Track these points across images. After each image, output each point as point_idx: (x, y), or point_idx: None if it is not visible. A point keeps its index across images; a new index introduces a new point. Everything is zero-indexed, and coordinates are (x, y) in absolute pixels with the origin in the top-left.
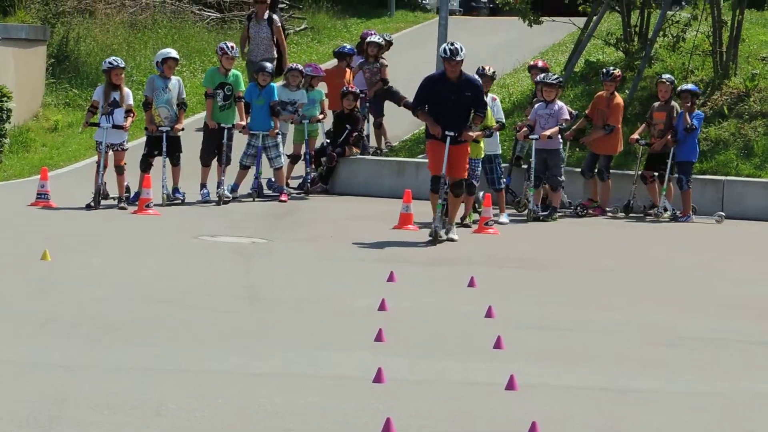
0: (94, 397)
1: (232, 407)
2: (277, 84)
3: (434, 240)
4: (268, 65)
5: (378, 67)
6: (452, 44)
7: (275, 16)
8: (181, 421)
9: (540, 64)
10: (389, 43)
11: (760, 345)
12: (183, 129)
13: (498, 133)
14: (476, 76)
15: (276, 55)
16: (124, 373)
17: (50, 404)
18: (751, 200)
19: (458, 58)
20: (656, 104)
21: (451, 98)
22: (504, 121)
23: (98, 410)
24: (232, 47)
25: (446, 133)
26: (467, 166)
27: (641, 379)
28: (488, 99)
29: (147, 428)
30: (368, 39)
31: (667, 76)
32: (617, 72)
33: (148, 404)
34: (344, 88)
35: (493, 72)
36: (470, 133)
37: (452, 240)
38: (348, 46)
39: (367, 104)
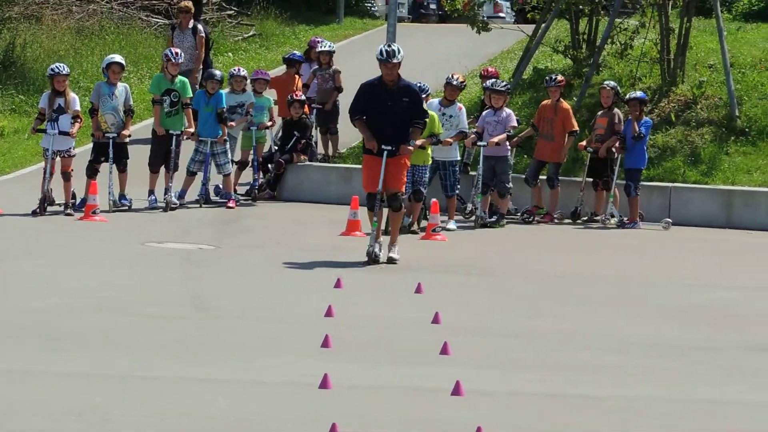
0: (40, 404)
1: (178, 413)
2: (224, 91)
3: (371, 260)
4: (218, 73)
5: (330, 74)
6: (389, 45)
7: (200, 26)
8: (127, 427)
9: (491, 70)
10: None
11: (707, 351)
12: (130, 135)
13: (457, 143)
14: (415, 83)
15: (201, 67)
16: (70, 379)
17: None
18: (698, 207)
19: (395, 60)
20: (600, 112)
21: (387, 105)
22: (467, 130)
23: (44, 416)
24: (177, 54)
25: (383, 147)
26: (404, 179)
27: (588, 385)
28: (455, 108)
29: None
30: (320, 48)
31: (609, 82)
32: (560, 78)
33: (94, 410)
34: (290, 96)
35: (460, 81)
36: (409, 147)
37: (393, 261)
38: (298, 53)
39: (315, 110)
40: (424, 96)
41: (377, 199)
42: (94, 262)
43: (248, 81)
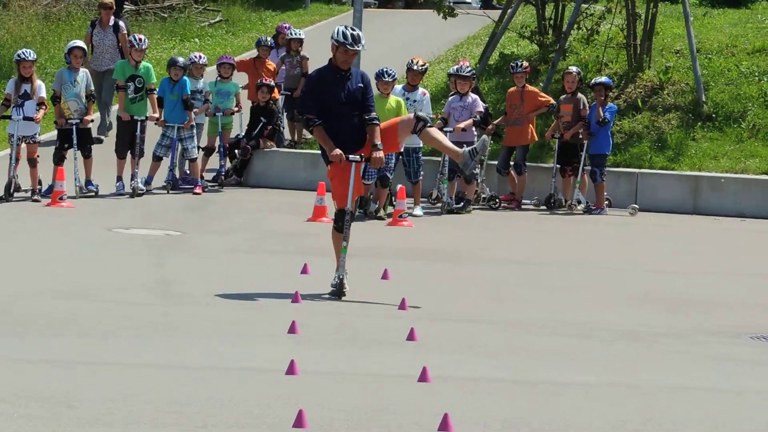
0: (4, 390)
1: (144, 400)
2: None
3: (339, 293)
4: (180, 59)
5: (299, 60)
6: (352, 28)
7: (121, 23)
8: (92, 413)
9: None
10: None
11: (671, 337)
12: (93, 121)
13: None
14: (382, 69)
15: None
16: (35, 365)
17: None
18: (665, 192)
19: (358, 47)
20: (563, 97)
21: (342, 95)
22: (432, 115)
23: (8, 402)
24: (141, 40)
25: (350, 159)
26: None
27: (553, 371)
28: (418, 93)
29: (58, 420)
30: (290, 35)
31: (573, 67)
32: (526, 64)
33: (59, 397)
34: (259, 81)
35: (422, 66)
36: (381, 155)
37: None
38: (270, 40)
39: (283, 96)
40: (391, 80)
41: (347, 217)
42: (61, 248)
43: (206, 68)
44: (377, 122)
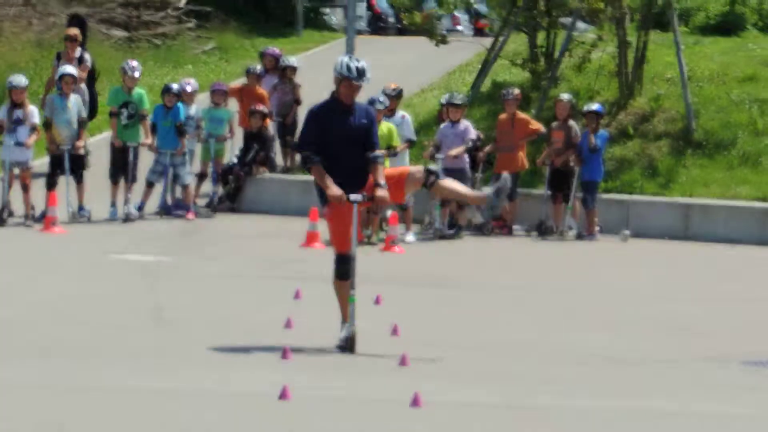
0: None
1: (137, 425)
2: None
3: (350, 347)
4: (174, 86)
5: (291, 88)
6: (357, 60)
7: (86, 55)
8: None
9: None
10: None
11: (661, 363)
12: (84, 146)
13: (408, 151)
14: (372, 98)
15: (87, 98)
16: (26, 390)
17: None
18: (656, 219)
19: (364, 81)
20: (554, 124)
21: (345, 130)
22: (414, 138)
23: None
24: (133, 66)
25: (351, 199)
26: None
27: (545, 396)
28: (398, 117)
29: None
30: (286, 63)
31: (565, 95)
32: (517, 92)
33: (51, 422)
34: (252, 107)
35: (396, 90)
36: (384, 194)
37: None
38: (260, 68)
39: (274, 123)
40: (383, 108)
41: (351, 263)
42: (53, 274)
43: (196, 94)
44: (381, 161)
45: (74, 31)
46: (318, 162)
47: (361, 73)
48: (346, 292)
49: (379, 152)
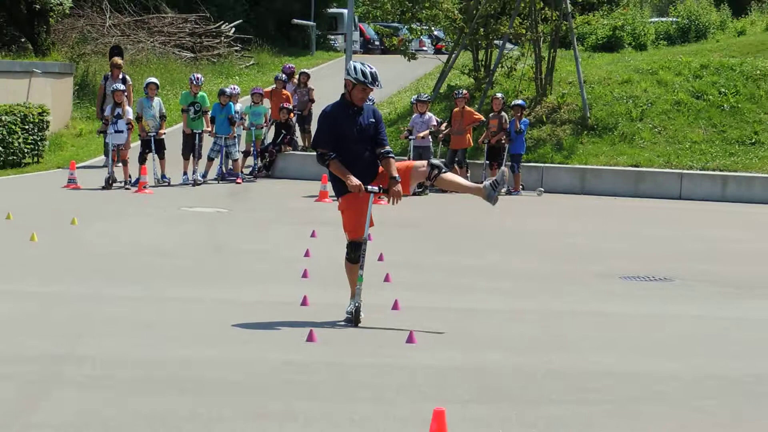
0: (112, 318)
1: (201, 323)
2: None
3: (355, 320)
4: (226, 90)
5: (307, 91)
6: (370, 66)
7: (127, 77)
8: (166, 330)
9: (425, 97)
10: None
11: (559, 277)
12: (165, 134)
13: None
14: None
15: (129, 108)
16: (129, 301)
17: (76, 327)
18: (561, 180)
19: (377, 86)
20: (491, 114)
21: (356, 129)
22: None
23: (118, 328)
24: (198, 78)
25: (368, 189)
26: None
27: (490, 302)
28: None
29: (167, 341)
30: (300, 71)
31: (498, 94)
32: (465, 92)
33: (148, 321)
34: (281, 105)
35: (428, 96)
36: (399, 188)
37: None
38: (284, 76)
39: (296, 116)
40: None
41: (362, 248)
42: (144, 222)
43: (239, 96)
44: (392, 155)
45: (119, 60)
46: (335, 157)
47: (375, 77)
48: (356, 273)
49: (388, 147)
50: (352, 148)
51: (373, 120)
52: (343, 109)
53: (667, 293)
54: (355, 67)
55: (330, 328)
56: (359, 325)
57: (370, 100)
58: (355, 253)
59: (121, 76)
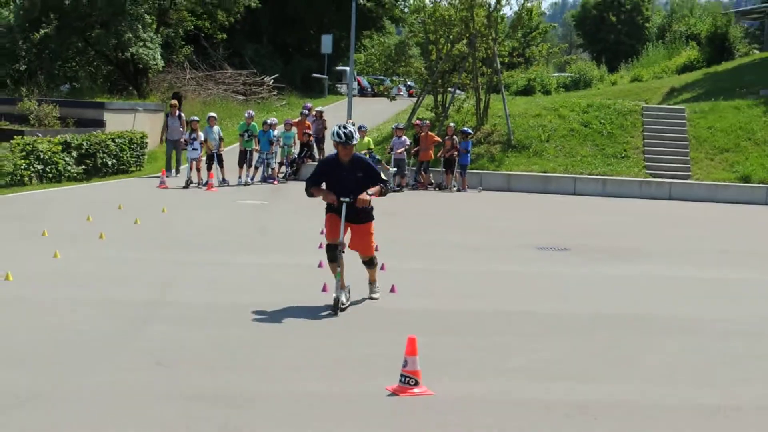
0: (193, 279)
1: (251, 279)
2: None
3: (335, 310)
4: (268, 121)
5: (323, 122)
6: (344, 127)
7: (182, 114)
8: (228, 285)
9: (401, 126)
10: (312, 110)
11: (489, 249)
12: (223, 150)
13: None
14: (364, 156)
15: (185, 136)
16: (199, 264)
17: (165, 281)
18: (494, 182)
19: (353, 142)
20: (446, 137)
21: (341, 181)
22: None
23: (195, 289)
24: (250, 114)
25: (341, 199)
26: (373, 245)
27: (454, 264)
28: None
29: (226, 292)
30: (316, 108)
31: (451, 123)
32: (428, 122)
33: (211, 278)
34: (304, 131)
35: (403, 125)
36: (366, 197)
37: (373, 298)
38: (306, 111)
39: (314, 139)
40: (363, 130)
41: (338, 249)
42: (211, 211)
43: (276, 125)
44: (384, 186)
45: (174, 101)
46: (315, 185)
47: (348, 137)
48: (334, 269)
49: (384, 178)
50: (340, 185)
51: (361, 174)
52: (334, 163)
53: (566, 258)
54: (335, 132)
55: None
56: (338, 313)
57: (361, 130)
58: (331, 253)
59: (177, 114)
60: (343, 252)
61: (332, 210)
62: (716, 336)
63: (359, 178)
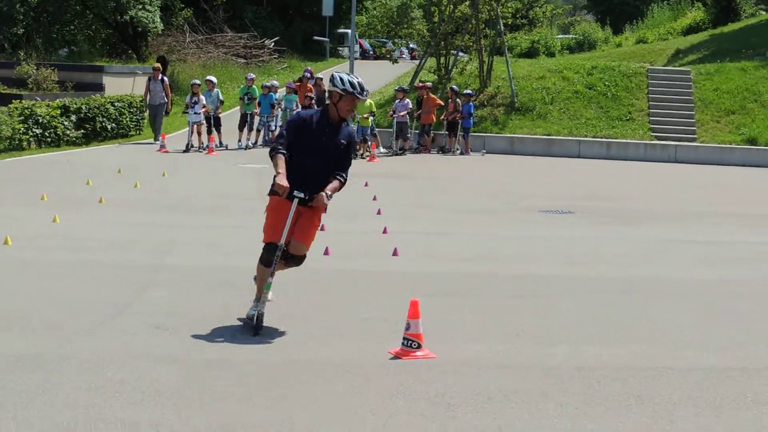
0: (190, 243)
1: (250, 242)
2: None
3: (256, 327)
4: (268, 84)
5: (322, 90)
6: (356, 76)
7: (165, 78)
8: (229, 247)
9: (405, 87)
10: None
11: (488, 213)
12: (221, 114)
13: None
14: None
15: (166, 100)
16: (200, 227)
17: (167, 245)
18: (498, 145)
19: (364, 97)
20: (449, 99)
21: (322, 141)
22: (374, 111)
23: (192, 252)
24: (251, 77)
25: (294, 194)
26: (314, 236)
27: (453, 226)
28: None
29: (227, 255)
30: (316, 75)
31: (453, 86)
32: (430, 84)
33: (212, 242)
34: (306, 94)
35: (406, 87)
36: (326, 200)
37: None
38: (307, 75)
39: (315, 101)
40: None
41: (278, 253)
42: (212, 175)
43: (278, 88)
44: (342, 180)
45: (158, 65)
46: (283, 154)
47: (362, 88)
48: (266, 277)
49: (345, 174)
50: (311, 156)
51: (344, 142)
52: (318, 121)
53: (569, 221)
54: (341, 78)
55: (342, 247)
56: (260, 332)
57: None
58: (268, 255)
59: (159, 77)
60: (281, 257)
61: (278, 194)
62: (722, 298)
63: (341, 148)
